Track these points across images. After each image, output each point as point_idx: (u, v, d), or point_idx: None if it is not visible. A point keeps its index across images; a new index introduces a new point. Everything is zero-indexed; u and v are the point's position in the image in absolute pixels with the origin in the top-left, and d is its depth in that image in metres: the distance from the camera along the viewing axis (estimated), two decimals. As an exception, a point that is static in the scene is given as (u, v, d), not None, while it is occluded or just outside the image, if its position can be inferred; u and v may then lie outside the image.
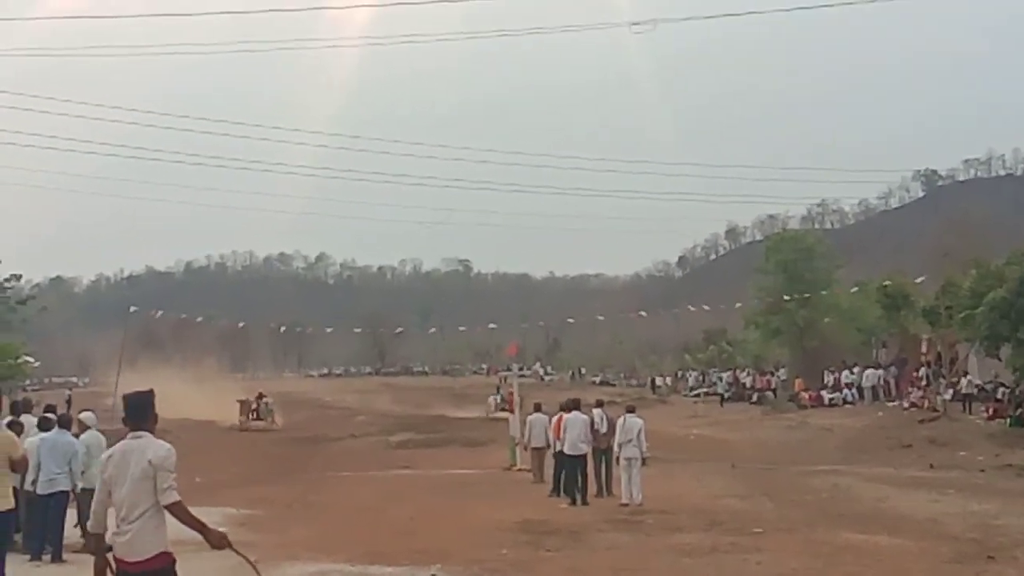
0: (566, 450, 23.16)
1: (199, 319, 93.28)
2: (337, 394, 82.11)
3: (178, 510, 7.13)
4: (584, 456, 23.24)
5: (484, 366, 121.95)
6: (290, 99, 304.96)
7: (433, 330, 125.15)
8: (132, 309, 70.99)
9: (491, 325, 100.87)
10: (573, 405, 24.54)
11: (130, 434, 7.33)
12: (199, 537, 7.14)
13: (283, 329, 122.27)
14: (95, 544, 7.39)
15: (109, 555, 7.25)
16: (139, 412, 7.43)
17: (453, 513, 20.66)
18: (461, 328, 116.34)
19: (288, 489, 26.44)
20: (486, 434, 42.91)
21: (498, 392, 58.14)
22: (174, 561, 7.27)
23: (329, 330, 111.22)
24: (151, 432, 7.38)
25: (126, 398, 7.55)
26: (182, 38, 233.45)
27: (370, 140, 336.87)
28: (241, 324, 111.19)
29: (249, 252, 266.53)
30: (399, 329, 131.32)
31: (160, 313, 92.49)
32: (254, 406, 53.51)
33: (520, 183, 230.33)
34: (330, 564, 14.75)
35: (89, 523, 7.39)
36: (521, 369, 48.19)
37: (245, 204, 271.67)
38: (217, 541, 7.23)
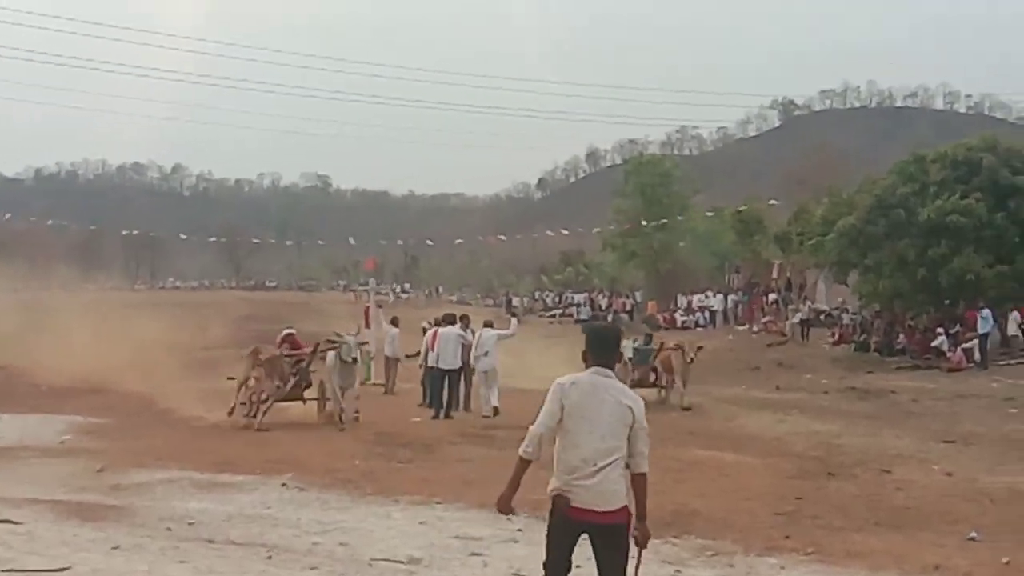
0: (440, 364, 23.24)
1: (49, 222, 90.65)
2: (191, 307, 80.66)
3: (643, 482, 6.50)
4: (456, 371, 23.35)
5: (341, 282, 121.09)
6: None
7: (289, 243, 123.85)
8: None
9: (350, 240, 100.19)
10: (449, 320, 24.67)
11: (594, 367, 6.54)
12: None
13: (135, 233, 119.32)
14: (518, 471, 6.55)
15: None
16: (609, 347, 6.72)
17: (307, 425, 20.60)
18: (320, 242, 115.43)
19: (139, 398, 25.98)
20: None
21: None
22: (631, 516, 6.50)
23: (184, 236, 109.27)
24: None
25: (591, 330, 6.86)
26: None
27: (228, 46, 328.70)
28: (92, 227, 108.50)
29: (102, 160, 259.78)
30: (255, 240, 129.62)
31: (8, 216, 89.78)
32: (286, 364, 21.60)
33: (384, 96, 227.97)
34: (178, 472, 14.54)
35: (524, 448, 6.50)
36: (379, 285, 47.81)
37: (100, 108, 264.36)
38: (647, 534, 6.54)
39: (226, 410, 21.12)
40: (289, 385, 21.05)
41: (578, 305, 69.29)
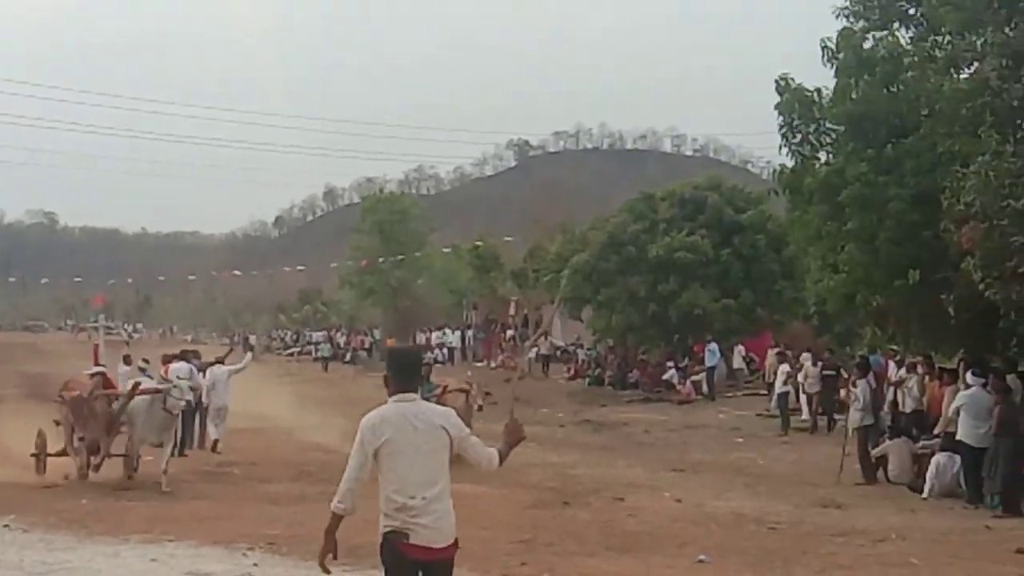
0: None
1: None
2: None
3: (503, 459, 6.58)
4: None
5: (70, 322, 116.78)
6: None
7: (13, 279, 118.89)
8: None
9: (76, 279, 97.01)
10: (180, 356, 24.21)
11: (397, 395, 6.33)
12: None
13: None
14: (333, 526, 6.21)
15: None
16: (412, 371, 6.55)
17: (33, 465, 19.59)
18: (44, 280, 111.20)
19: None
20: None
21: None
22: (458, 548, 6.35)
23: None
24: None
25: (393, 354, 6.69)
26: None
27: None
28: None
29: None
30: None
31: None
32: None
33: (117, 128, 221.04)
34: None
35: (336, 504, 6.19)
36: (109, 323, 46.37)
37: None
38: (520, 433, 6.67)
39: None
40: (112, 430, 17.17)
41: (317, 343, 68.71)
